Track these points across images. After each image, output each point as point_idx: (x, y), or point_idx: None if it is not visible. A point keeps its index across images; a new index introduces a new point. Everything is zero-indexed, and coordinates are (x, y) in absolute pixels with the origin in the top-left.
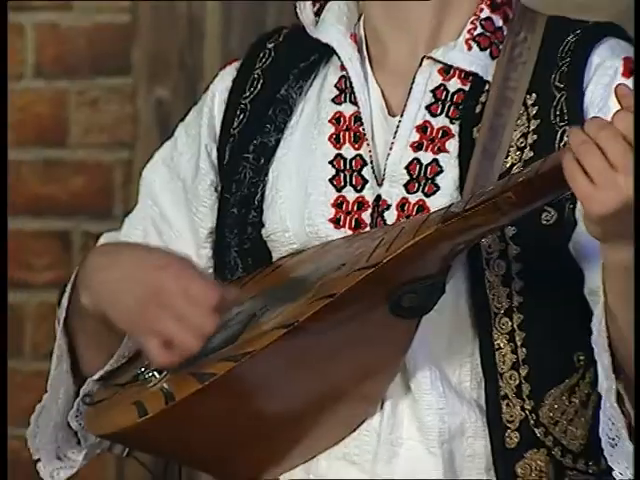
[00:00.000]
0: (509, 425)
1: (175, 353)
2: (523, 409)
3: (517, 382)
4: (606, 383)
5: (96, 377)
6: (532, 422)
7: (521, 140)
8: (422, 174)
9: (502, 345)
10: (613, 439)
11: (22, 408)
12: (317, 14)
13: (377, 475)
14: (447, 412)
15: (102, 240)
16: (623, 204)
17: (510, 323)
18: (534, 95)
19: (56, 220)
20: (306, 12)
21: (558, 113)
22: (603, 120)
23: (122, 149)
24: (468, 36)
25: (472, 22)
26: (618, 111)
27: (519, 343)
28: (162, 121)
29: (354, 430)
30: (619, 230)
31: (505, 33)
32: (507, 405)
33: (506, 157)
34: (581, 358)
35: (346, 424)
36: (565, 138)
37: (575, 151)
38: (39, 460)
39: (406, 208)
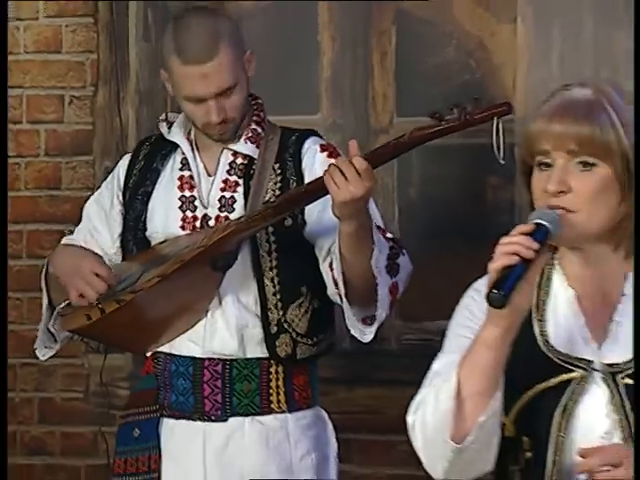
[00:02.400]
0: (271, 322)
1: (84, 299)
2: (278, 314)
3: (275, 302)
4: (342, 291)
5: (62, 305)
6: (282, 320)
7: (273, 187)
8: (226, 203)
9: (267, 283)
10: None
11: (38, 319)
12: (169, 127)
13: (205, 347)
14: (240, 316)
15: (64, 240)
16: (350, 200)
17: (272, 273)
18: (278, 164)
19: (57, 225)
20: (163, 127)
21: (290, 173)
22: (344, 160)
23: (88, 191)
24: (245, 137)
25: (247, 131)
26: (355, 156)
27: (276, 282)
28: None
29: (194, 325)
30: (348, 213)
31: (262, 135)
32: (270, 312)
33: (265, 194)
34: (303, 289)
35: (190, 321)
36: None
37: (330, 172)
38: (36, 348)
39: (219, 220)
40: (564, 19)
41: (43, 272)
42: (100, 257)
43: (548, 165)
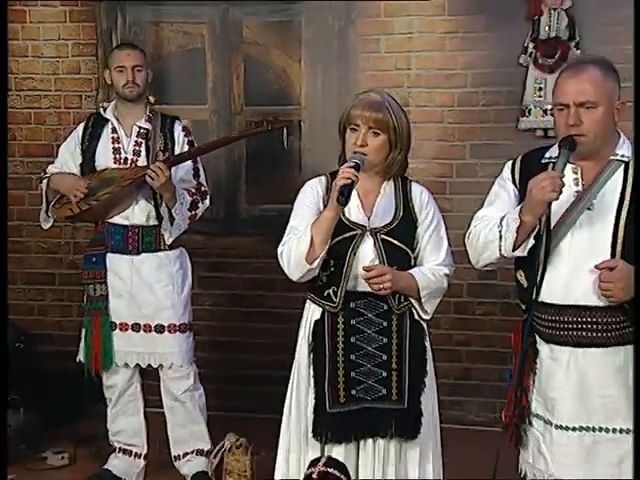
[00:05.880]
0: (161, 211)
1: (76, 198)
2: (163, 207)
3: (161, 203)
4: (166, 217)
5: (54, 202)
6: (168, 210)
7: (160, 145)
8: (136, 152)
9: (158, 195)
10: None
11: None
12: (104, 110)
13: (129, 220)
14: (146, 207)
15: (51, 168)
16: (160, 184)
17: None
18: (162, 134)
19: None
20: (101, 110)
21: (168, 139)
22: (155, 165)
23: None
24: (144, 119)
25: (145, 116)
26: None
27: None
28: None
29: (124, 211)
30: (163, 190)
31: (153, 118)
32: (159, 207)
33: (156, 149)
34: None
35: (122, 209)
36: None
37: (149, 173)
38: (40, 223)
39: (133, 161)
40: (324, 63)
41: (44, 185)
42: (80, 177)
43: (355, 130)
